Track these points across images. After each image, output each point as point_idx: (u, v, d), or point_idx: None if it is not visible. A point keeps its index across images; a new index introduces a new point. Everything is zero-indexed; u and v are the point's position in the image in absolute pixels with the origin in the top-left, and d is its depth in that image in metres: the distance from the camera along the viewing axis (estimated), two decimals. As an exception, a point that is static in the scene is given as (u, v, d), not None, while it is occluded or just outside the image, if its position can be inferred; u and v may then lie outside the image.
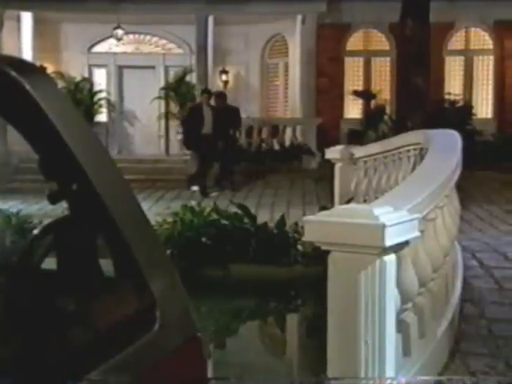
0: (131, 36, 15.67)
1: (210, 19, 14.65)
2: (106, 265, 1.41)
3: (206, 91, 12.09)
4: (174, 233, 6.76)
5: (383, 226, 2.59)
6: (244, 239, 6.62)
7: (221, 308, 6.14)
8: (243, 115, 15.55)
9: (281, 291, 6.20)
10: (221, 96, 12.18)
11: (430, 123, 9.53)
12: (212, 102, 11.83)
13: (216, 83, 15.40)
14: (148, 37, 15.85)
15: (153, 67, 15.80)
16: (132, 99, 15.80)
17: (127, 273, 1.34)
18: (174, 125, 15.70)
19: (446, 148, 4.62)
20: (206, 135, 11.22)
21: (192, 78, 15.27)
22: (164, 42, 15.88)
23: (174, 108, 15.68)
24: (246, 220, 6.97)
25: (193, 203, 7.71)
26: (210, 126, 11.33)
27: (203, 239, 6.65)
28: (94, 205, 1.30)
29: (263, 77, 15.61)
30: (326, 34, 14.48)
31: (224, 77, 15.65)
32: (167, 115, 15.76)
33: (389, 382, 2.48)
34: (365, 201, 7.03)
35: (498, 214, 9.06)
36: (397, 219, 2.70)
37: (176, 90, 15.52)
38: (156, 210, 9.20)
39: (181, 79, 15.54)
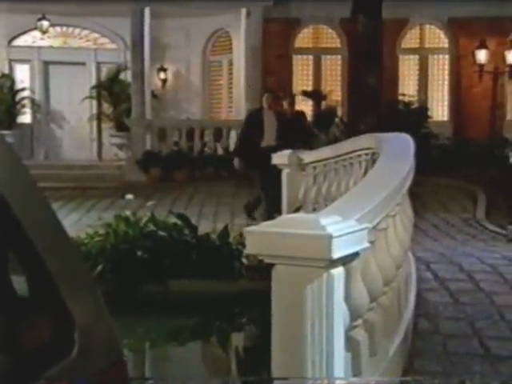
0: (58, 28, 15.42)
1: (147, 11, 14.57)
2: (19, 282, 1.38)
3: (270, 92, 10.12)
4: (106, 246, 6.70)
5: (330, 237, 2.61)
6: (184, 252, 6.60)
7: (159, 328, 6.09)
8: (183, 116, 15.51)
9: (224, 308, 6.20)
10: (292, 101, 10.22)
11: (383, 126, 9.73)
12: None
13: (154, 82, 15.32)
14: (77, 30, 15.64)
15: (83, 63, 15.59)
16: (59, 99, 15.53)
17: (42, 291, 1.32)
18: (107, 127, 15.52)
19: (398, 153, 4.72)
20: (267, 149, 8.80)
21: (127, 76, 15.14)
22: (95, 35, 15.69)
23: (107, 109, 15.50)
24: (186, 231, 6.95)
25: (127, 213, 7.63)
26: (272, 137, 9.29)
27: (139, 252, 6.61)
28: (2, 216, 1.27)
29: (205, 75, 15.61)
30: (273, 30, 14.62)
31: (162, 75, 15.58)
32: (99, 116, 15.57)
33: (339, 382, 2.54)
34: (314, 209, 7.08)
35: (454, 222, 9.31)
36: (345, 229, 2.73)
37: (109, 88, 15.36)
38: (87, 221, 9.07)
39: (114, 77, 15.39)
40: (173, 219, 7.31)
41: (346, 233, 2.72)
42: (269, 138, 9.34)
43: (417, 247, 6.11)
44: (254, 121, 9.58)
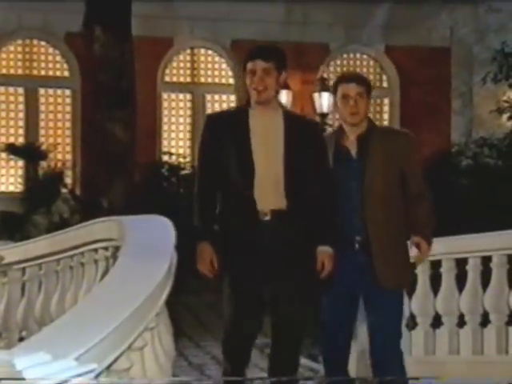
0: None
1: None
2: None
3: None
4: None
5: (29, 390, 2.63)
6: None
7: None
8: None
9: None
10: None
11: (138, 203, 9.90)
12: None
13: None
14: None
15: None
16: None
17: None
18: None
19: (149, 247, 4.82)
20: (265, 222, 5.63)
21: None
22: None
23: None
24: None
25: None
26: (275, 186, 5.76)
27: None
28: None
29: None
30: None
31: None
32: None
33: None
34: (22, 339, 7.08)
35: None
36: (56, 375, 2.79)
37: None
38: None
39: None
40: None
41: (58, 381, 2.77)
42: (267, 187, 5.78)
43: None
44: (221, 139, 5.75)
